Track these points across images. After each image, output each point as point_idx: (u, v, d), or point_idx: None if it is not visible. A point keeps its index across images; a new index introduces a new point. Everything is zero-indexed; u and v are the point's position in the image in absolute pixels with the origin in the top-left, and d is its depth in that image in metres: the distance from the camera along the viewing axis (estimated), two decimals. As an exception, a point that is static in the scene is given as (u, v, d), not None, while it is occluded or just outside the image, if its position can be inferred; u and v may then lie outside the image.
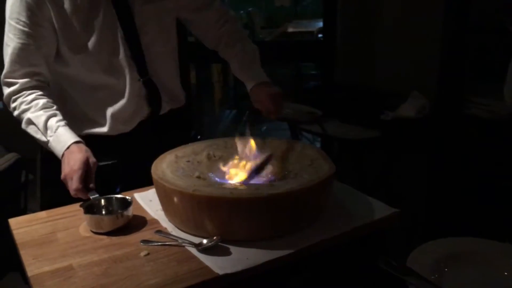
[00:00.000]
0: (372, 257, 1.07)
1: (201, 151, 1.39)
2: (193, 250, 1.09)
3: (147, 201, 1.35)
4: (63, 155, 1.34)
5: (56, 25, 1.41)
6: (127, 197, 1.27)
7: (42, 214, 1.31)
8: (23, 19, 1.39)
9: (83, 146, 1.35)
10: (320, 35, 5.00)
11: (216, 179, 1.25)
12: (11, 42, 1.41)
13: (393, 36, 2.98)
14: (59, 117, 1.41)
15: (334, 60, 3.43)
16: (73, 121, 1.49)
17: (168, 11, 1.57)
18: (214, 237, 1.10)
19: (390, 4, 2.96)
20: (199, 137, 1.39)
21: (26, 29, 1.39)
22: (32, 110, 1.41)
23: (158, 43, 1.56)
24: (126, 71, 1.51)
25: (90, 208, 1.23)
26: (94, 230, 1.20)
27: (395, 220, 1.26)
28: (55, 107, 1.43)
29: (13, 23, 1.40)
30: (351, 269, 1.15)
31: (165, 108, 1.63)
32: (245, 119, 1.63)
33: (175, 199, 1.14)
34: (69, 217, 1.28)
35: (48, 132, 1.38)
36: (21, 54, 1.41)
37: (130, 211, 1.23)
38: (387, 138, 2.61)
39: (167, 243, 1.13)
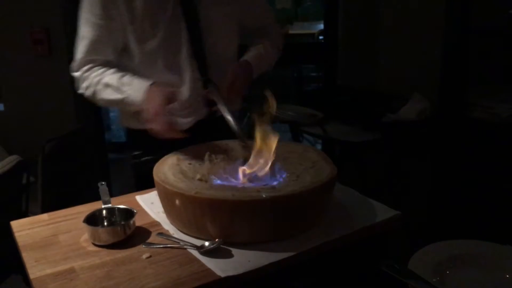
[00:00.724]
0: (373, 259, 1.07)
1: (202, 153, 1.39)
2: (195, 253, 1.09)
3: (148, 203, 1.35)
4: (144, 99, 1.39)
5: (126, 19, 1.47)
6: (131, 208, 1.23)
7: (44, 216, 1.31)
8: (97, 11, 1.45)
9: (160, 85, 1.40)
10: (321, 37, 5.01)
11: (218, 181, 1.24)
12: (85, 33, 1.48)
13: (394, 39, 2.98)
14: (132, 75, 1.47)
15: (336, 62, 3.43)
16: (136, 115, 1.54)
17: (232, 16, 1.63)
18: (216, 240, 1.10)
19: (392, 6, 2.97)
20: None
21: (99, 21, 1.46)
22: (105, 76, 1.48)
23: (220, 46, 1.60)
24: (187, 70, 1.56)
25: (91, 219, 1.19)
26: (94, 242, 1.16)
27: (396, 222, 1.26)
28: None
29: (87, 15, 1.47)
30: (352, 271, 1.15)
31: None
32: (246, 120, 1.63)
33: (177, 202, 1.14)
34: (71, 219, 1.28)
35: (125, 87, 1.44)
36: (93, 46, 1.49)
37: (132, 223, 1.18)
38: (389, 140, 2.61)
39: (169, 245, 1.13)
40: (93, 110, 3.53)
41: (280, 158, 1.36)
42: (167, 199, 1.20)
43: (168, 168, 1.27)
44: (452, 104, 2.43)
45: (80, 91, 1.55)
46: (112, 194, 1.32)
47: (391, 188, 2.67)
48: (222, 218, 1.11)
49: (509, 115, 2.25)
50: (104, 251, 1.12)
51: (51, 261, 1.08)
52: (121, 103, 1.47)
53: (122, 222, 1.20)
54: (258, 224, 1.12)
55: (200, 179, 1.22)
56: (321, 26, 3.77)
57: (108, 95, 1.48)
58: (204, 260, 1.07)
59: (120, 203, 1.28)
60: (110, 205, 1.26)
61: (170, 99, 1.36)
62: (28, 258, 1.10)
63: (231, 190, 1.14)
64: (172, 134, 1.34)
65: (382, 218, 1.24)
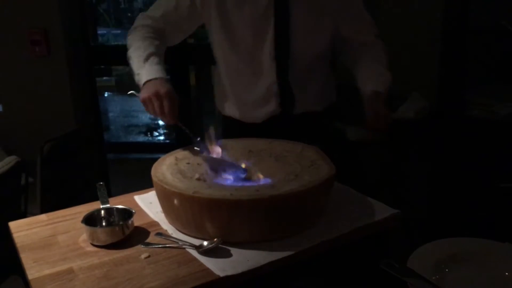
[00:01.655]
0: (373, 258, 1.06)
1: (201, 153, 1.38)
2: (194, 252, 1.09)
3: (147, 203, 1.35)
4: (147, 81, 1.40)
5: (213, 7, 1.52)
6: (130, 208, 1.22)
7: (42, 217, 1.31)
8: None
9: (170, 85, 1.40)
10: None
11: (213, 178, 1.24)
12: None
13: (392, 37, 2.97)
14: (160, 61, 1.49)
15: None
16: (223, 99, 1.70)
17: (325, 26, 1.59)
18: (215, 239, 1.10)
19: (390, 5, 2.96)
20: (198, 139, 1.39)
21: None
22: (147, 41, 1.51)
23: (305, 54, 1.59)
24: (266, 69, 1.57)
25: (90, 219, 1.19)
26: (92, 243, 1.16)
27: (395, 221, 1.26)
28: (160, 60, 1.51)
29: None
30: (352, 270, 1.15)
31: (300, 109, 1.64)
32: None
33: (175, 201, 1.14)
34: (70, 220, 1.28)
35: (146, 63, 1.45)
36: (162, 15, 1.56)
37: (130, 223, 1.18)
38: (388, 139, 2.61)
39: (167, 245, 1.13)
40: (91, 111, 3.53)
41: (278, 157, 1.36)
42: (165, 199, 1.19)
43: (166, 168, 1.27)
44: (451, 102, 2.43)
45: (130, 33, 1.58)
46: (110, 194, 1.32)
47: (390, 186, 2.66)
48: (221, 218, 1.11)
49: (508, 113, 2.26)
50: (103, 251, 1.12)
51: (49, 262, 1.08)
52: (133, 68, 1.48)
53: (121, 222, 1.19)
54: (257, 223, 1.11)
55: (198, 179, 1.22)
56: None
57: (134, 54, 1.50)
58: (203, 259, 1.06)
59: (118, 203, 1.28)
60: (108, 205, 1.26)
61: (174, 96, 1.36)
62: (26, 258, 1.10)
63: (230, 189, 1.14)
64: (166, 119, 1.36)
65: (381, 216, 1.24)
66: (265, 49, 1.54)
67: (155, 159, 1.33)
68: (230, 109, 1.69)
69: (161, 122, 5.97)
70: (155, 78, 1.40)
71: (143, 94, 1.37)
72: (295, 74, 1.59)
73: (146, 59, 1.46)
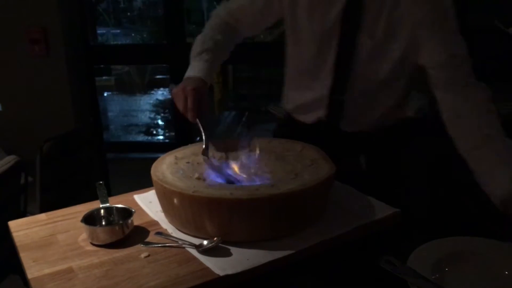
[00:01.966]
0: (373, 257, 1.06)
1: (200, 152, 1.38)
2: (194, 252, 1.09)
3: (146, 202, 1.35)
4: (185, 78, 1.45)
5: (287, 11, 1.53)
6: (130, 208, 1.22)
7: (42, 216, 1.31)
8: None
9: (204, 84, 1.43)
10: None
11: (217, 180, 1.24)
12: None
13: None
14: (212, 58, 1.52)
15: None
16: (284, 93, 1.74)
17: (393, 56, 1.47)
18: (215, 238, 1.09)
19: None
20: (198, 138, 1.39)
21: None
22: (211, 35, 1.56)
23: (367, 77, 1.52)
24: (322, 80, 1.55)
25: (89, 219, 1.19)
26: (92, 242, 1.15)
27: (395, 220, 1.26)
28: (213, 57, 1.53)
29: None
30: (352, 269, 1.15)
31: (349, 127, 1.61)
32: (244, 120, 1.62)
33: (175, 201, 1.14)
34: (69, 219, 1.28)
35: (199, 57, 1.50)
36: (234, 10, 1.61)
37: (130, 222, 1.18)
38: (388, 138, 2.60)
39: (167, 244, 1.13)
40: (91, 110, 3.53)
41: (278, 156, 1.36)
42: (165, 198, 1.19)
43: (166, 167, 1.27)
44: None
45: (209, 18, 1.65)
46: (110, 194, 1.32)
47: (390, 185, 2.66)
48: (221, 217, 1.10)
49: (508, 112, 2.26)
50: (103, 251, 1.12)
51: (49, 261, 1.08)
52: (191, 55, 1.54)
53: (120, 222, 1.19)
54: (257, 222, 1.11)
55: (198, 178, 1.21)
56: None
57: (194, 44, 1.56)
58: (203, 259, 1.06)
59: (118, 203, 1.28)
60: (108, 204, 1.25)
61: (199, 92, 1.37)
62: (26, 258, 1.10)
63: (229, 188, 1.14)
64: (187, 116, 1.37)
65: (381, 215, 1.24)
66: (327, 62, 1.52)
67: (155, 159, 1.33)
68: (287, 104, 1.73)
69: (160, 122, 5.98)
70: (194, 76, 1.43)
71: (175, 89, 1.40)
72: (352, 94, 1.54)
73: (199, 53, 1.51)
